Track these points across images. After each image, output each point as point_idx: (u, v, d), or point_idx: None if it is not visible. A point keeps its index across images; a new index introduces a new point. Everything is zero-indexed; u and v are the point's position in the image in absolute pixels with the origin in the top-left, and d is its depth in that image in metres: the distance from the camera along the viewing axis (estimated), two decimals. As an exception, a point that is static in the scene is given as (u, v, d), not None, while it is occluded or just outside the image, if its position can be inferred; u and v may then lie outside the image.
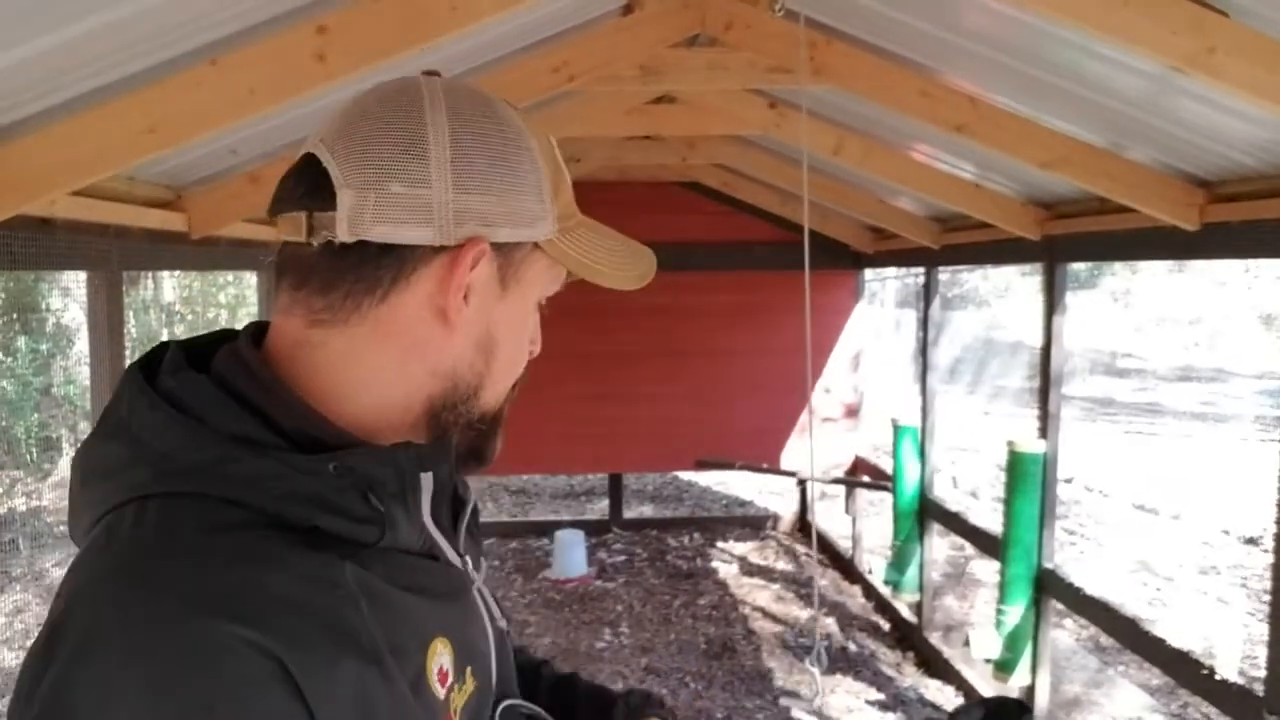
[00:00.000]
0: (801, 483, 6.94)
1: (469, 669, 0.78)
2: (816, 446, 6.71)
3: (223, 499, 0.64)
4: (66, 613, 0.62)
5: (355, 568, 0.66)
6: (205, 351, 0.74)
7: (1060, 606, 3.85)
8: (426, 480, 0.73)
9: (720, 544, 7.08)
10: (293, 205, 0.72)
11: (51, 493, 8.06)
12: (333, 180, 0.70)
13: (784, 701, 4.61)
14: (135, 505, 0.65)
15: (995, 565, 4.06)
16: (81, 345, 7.06)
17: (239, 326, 0.82)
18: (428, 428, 0.77)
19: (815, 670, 3.46)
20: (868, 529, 6.53)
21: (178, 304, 8.48)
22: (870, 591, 6.06)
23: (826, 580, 6.37)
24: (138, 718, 0.55)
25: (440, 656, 0.73)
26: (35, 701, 0.58)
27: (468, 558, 0.83)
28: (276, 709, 0.57)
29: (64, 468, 8.30)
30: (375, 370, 0.74)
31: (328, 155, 0.71)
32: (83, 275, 2.51)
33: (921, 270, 5.33)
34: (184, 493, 0.65)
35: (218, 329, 0.81)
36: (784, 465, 6.50)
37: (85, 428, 7.17)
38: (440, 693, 0.72)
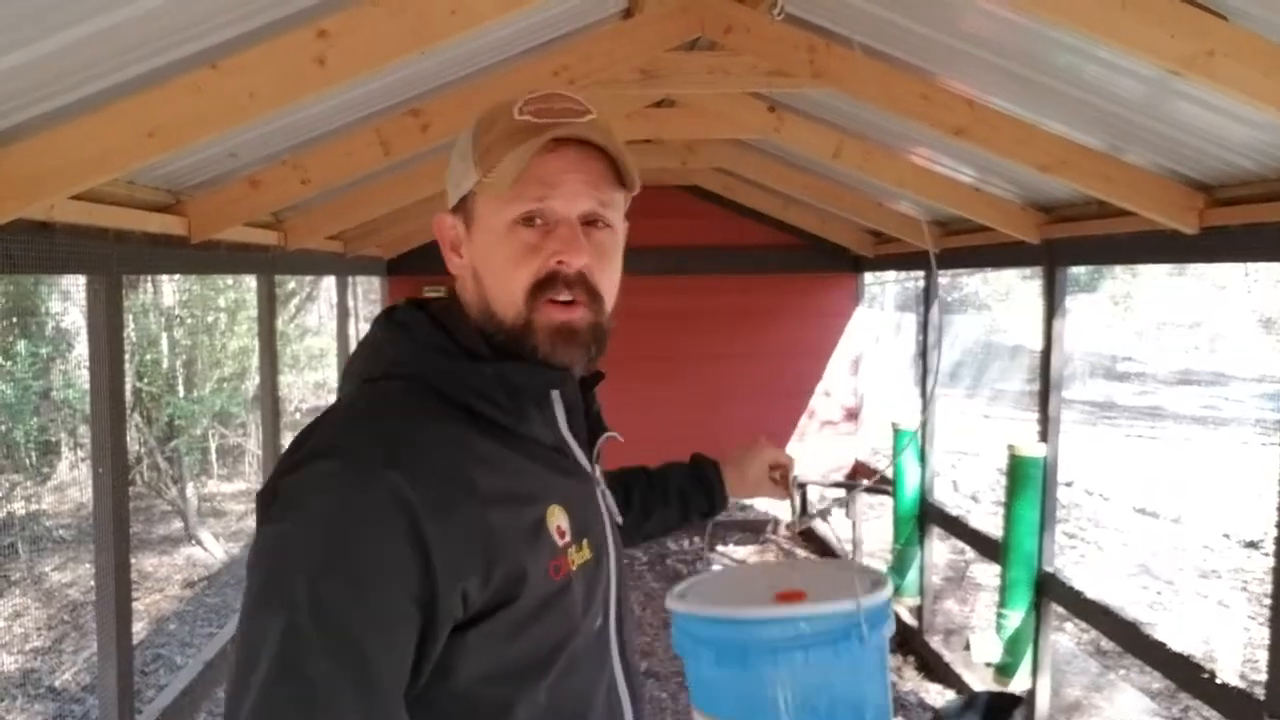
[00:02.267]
0: (802, 486, 6.94)
1: (585, 540, 1.04)
2: (816, 450, 6.71)
3: (417, 381, 0.99)
4: (308, 432, 0.96)
5: (488, 442, 0.97)
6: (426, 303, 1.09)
7: (1061, 610, 3.84)
8: (555, 396, 1.04)
9: (720, 547, 7.08)
10: None
11: (51, 496, 8.06)
12: None
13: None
14: (366, 385, 1.02)
15: (996, 569, 4.05)
16: (81, 349, 7.07)
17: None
18: (491, 349, 1.03)
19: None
20: (868, 532, 6.52)
21: (177, 308, 8.48)
22: (870, 595, 6.04)
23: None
24: (321, 505, 0.87)
25: (558, 517, 1.01)
26: (279, 481, 0.91)
27: (597, 468, 1.13)
28: (388, 525, 0.86)
29: (63, 471, 8.30)
30: (467, 308, 1.06)
31: None
32: (82, 279, 2.50)
33: (921, 274, 5.33)
34: (396, 375, 1.00)
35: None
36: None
37: (84, 431, 7.17)
38: (559, 542, 0.99)
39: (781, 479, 1.48)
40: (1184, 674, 3.09)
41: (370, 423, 0.95)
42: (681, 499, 1.48)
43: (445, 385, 0.98)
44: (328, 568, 0.84)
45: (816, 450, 6.75)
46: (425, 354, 1.01)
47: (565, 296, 1.00)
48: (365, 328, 1.24)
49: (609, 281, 1.05)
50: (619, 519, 1.16)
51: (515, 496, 0.97)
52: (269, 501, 0.91)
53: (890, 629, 1.01)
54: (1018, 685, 3.86)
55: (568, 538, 1.00)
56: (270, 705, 0.81)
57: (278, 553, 0.88)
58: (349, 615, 0.83)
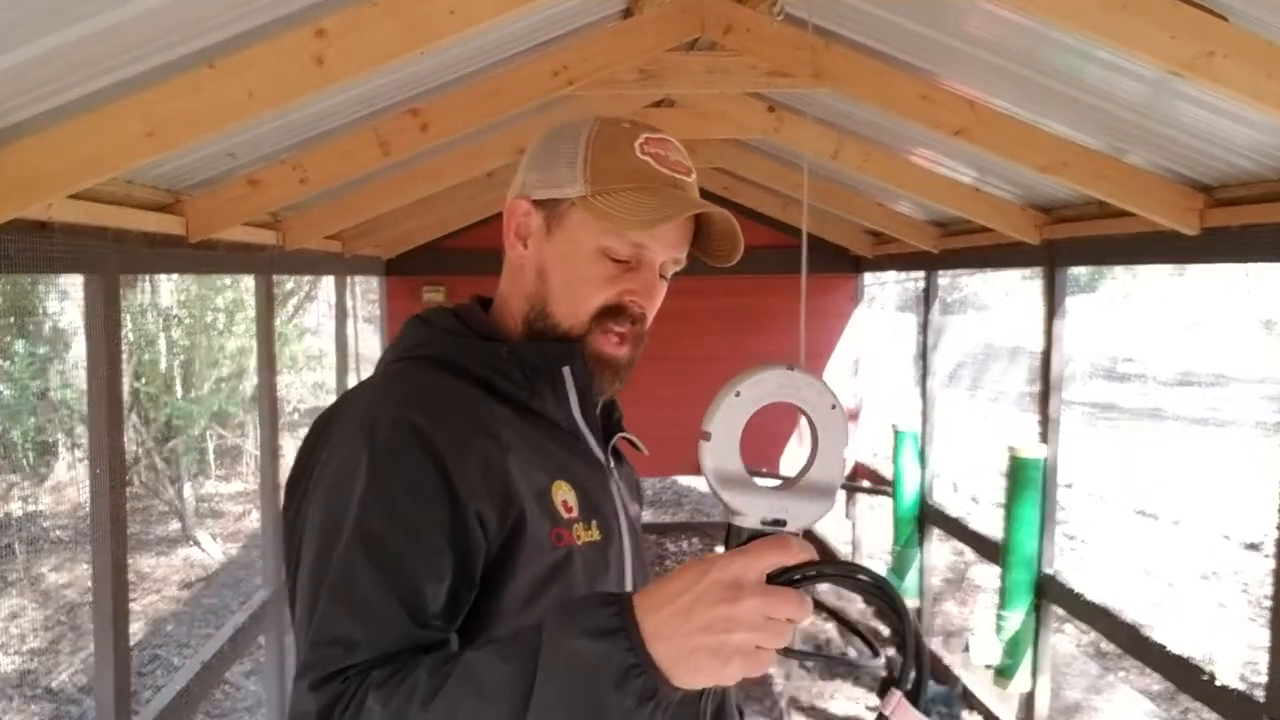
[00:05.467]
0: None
1: (594, 521, 1.07)
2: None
3: (434, 359, 1.08)
4: (346, 399, 1.08)
5: (504, 409, 1.05)
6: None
7: (1061, 612, 3.83)
8: (566, 374, 1.09)
9: (719, 549, 7.06)
10: None
11: (48, 497, 8.05)
12: None
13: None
14: (390, 366, 1.11)
15: (995, 570, 4.05)
16: (78, 349, 7.05)
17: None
18: (528, 334, 1.12)
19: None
20: (867, 534, 6.52)
21: (175, 308, 8.47)
22: (870, 597, 6.04)
23: (825, 584, 6.34)
24: (353, 453, 0.97)
25: (565, 491, 1.05)
26: (320, 432, 1.03)
27: (611, 461, 1.16)
28: (415, 453, 0.95)
29: (60, 472, 8.29)
30: (507, 295, 1.15)
31: None
32: (80, 279, 2.49)
33: (921, 274, 5.33)
34: (417, 356, 1.10)
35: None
36: (783, 470, 6.49)
37: (82, 431, 7.15)
38: (564, 514, 1.04)
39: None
40: (1184, 676, 3.08)
41: (397, 383, 1.07)
42: None
43: (464, 360, 1.07)
44: (367, 495, 0.94)
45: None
46: (442, 336, 1.11)
47: (624, 329, 1.10)
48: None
49: (650, 322, 1.15)
50: (634, 509, 1.20)
51: (526, 458, 1.02)
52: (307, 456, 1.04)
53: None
54: (1017, 687, 3.86)
55: (574, 513, 1.05)
56: (321, 576, 0.94)
57: (327, 484, 0.99)
58: (386, 530, 0.93)
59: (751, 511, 0.80)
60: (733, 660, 0.75)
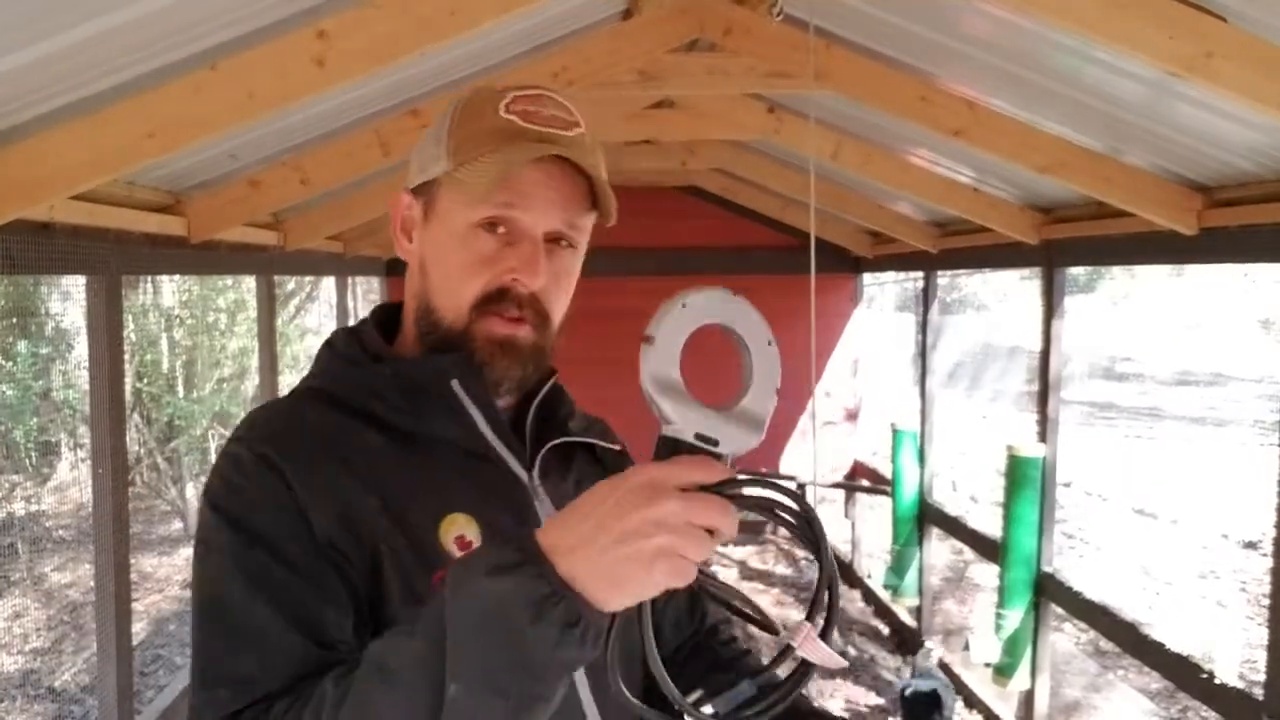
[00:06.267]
0: (801, 487, 6.94)
1: None
2: (816, 450, 6.70)
3: (318, 392, 0.98)
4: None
5: (383, 438, 0.94)
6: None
7: (1060, 611, 3.84)
8: (456, 388, 0.96)
9: (719, 548, 7.07)
10: None
11: (51, 497, 8.06)
12: None
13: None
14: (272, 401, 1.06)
15: (994, 569, 4.06)
16: (81, 349, 7.06)
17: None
18: (420, 343, 1.01)
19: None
20: (866, 533, 6.52)
21: (177, 308, 8.47)
22: (870, 596, 6.05)
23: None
24: (212, 492, 0.90)
25: (461, 526, 0.92)
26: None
27: (536, 476, 1.00)
28: (268, 483, 0.88)
29: (63, 472, 8.29)
30: (407, 300, 1.04)
31: None
32: (82, 279, 2.51)
33: (920, 274, 5.33)
34: (306, 389, 1.00)
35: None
36: (783, 470, 6.49)
37: (84, 432, 7.17)
38: (455, 552, 0.91)
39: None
40: (1183, 674, 3.09)
41: (262, 414, 0.99)
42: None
43: (340, 389, 0.97)
44: (233, 525, 0.88)
45: (815, 450, 6.74)
46: (332, 364, 1.01)
47: (514, 314, 0.96)
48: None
49: (561, 304, 1.00)
50: None
51: (401, 493, 0.91)
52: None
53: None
54: (1016, 685, 3.86)
55: (473, 550, 0.91)
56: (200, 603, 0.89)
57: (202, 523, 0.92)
58: (260, 558, 0.86)
59: (686, 423, 0.75)
60: (655, 566, 0.66)
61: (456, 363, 0.96)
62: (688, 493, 0.68)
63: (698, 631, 1.24)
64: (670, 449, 0.75)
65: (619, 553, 0.66)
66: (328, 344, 1.04)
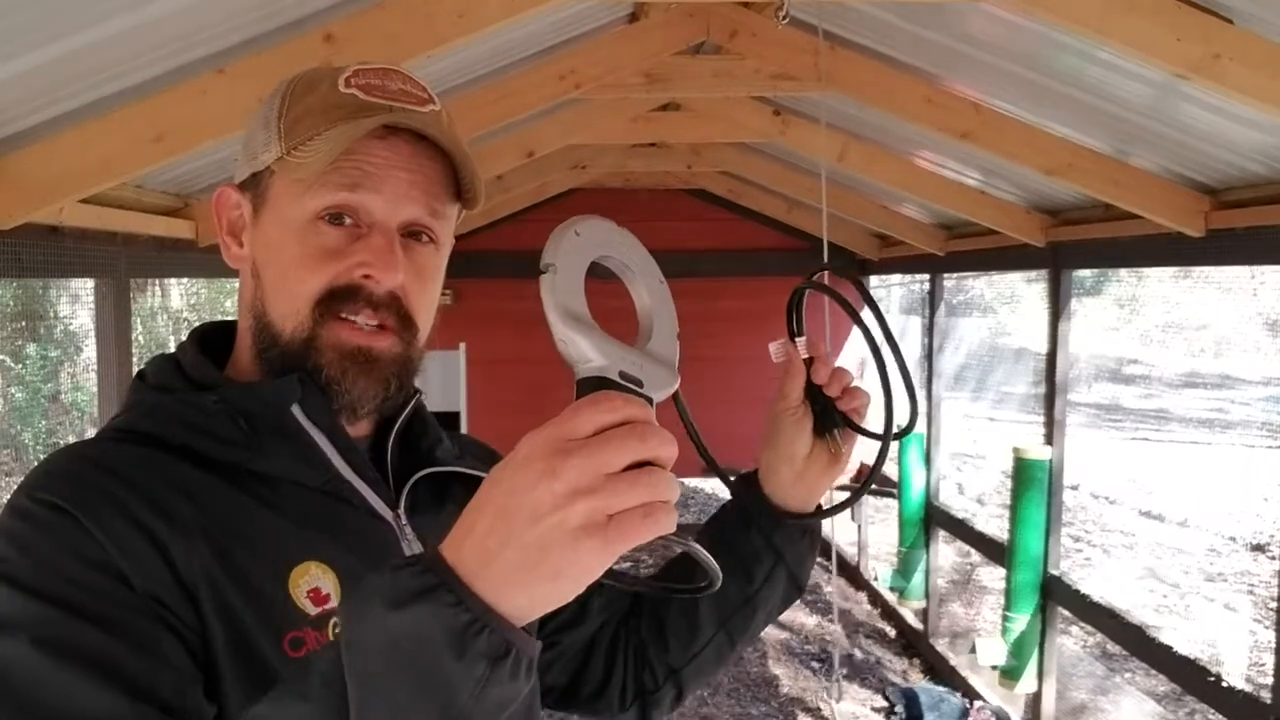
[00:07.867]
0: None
1: None
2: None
3: (129, 431, 0.80)
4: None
5: (212, 478, 0.77)
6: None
7: (1066, 613, 3.84)
8: (298, 415, 0.81)
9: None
10: None
11: (58, 499, 8.08)
12: None
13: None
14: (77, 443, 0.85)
15: (1001, 572, 4.05)
16: (89, 352, 7.06)
17: None
18: (258, 364, 0.85)
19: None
20: (873, 535, 6.51)
21: (185, 311, 8.48)
22: (876, 598, 6.04)
23: (832, 587, 6.36)
24: (9, 540, 0.72)
25: (315, 579, 0.78)
26: None
27: (403, 514, 0.85)
28: (66, 534, 0.71)
29: (70, 474, 8.32)
30: (240, 315, 0.89)
31: None
32: (91, 282, 2.52)
33: (926, 277, 5.33)
34: (114, 428, 0.82)
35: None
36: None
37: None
38: (309, 609, 0.77)
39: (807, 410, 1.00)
40: (1190, 677, 3.08)
41: (60, 457, 0.81)
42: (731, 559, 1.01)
43: (154, 428, 0.80)
44: (27, 593, 0.69)
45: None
46: (144, 397, 0.84)
47: (369, 320, 0.82)
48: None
49: (426, 307, 0.86)
50: None
51: (236, 544, 0.76)
52: None
53: None
54: (1023, 688, 3.86)
55: (330, 602, 0.77)
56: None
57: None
58: (63, 620, 0.69)
59: (611, 360, 0.63)
60: (582, 543, 0.53)
61: (295, 385, 0.81)
62: (590, 439, 0.54)
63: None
64: (595, 390, 0.60)
65: (536, 542, 0.53)
66: (139, 375, 0.87)
